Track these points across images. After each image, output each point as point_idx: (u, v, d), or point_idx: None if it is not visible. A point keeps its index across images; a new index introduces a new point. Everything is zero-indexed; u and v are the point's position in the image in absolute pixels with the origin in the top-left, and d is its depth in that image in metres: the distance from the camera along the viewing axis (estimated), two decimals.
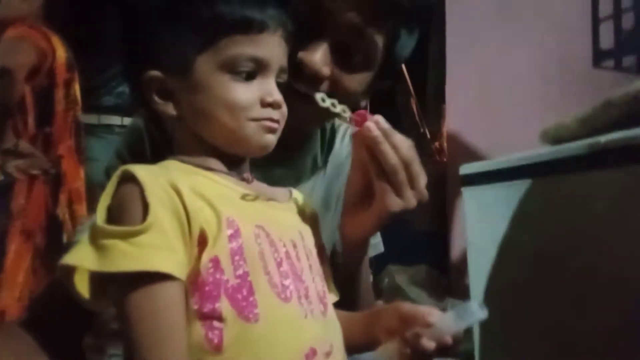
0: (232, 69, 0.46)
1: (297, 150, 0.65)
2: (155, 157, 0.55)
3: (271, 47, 0.47)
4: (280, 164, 0.58)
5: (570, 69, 1.63)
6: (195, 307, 0.40)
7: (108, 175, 0.59)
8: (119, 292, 0.39)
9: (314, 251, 0.50)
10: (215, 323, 0.40)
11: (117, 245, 0.38)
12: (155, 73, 0.47)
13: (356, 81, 0.58)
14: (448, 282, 1.87)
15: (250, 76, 0.46)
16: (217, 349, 0.40)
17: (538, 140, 0.95)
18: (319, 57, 0.55)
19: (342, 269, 0.58)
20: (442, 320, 0.44)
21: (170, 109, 0.47)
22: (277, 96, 0.47)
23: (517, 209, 0.92)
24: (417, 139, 2.36)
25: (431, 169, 2.16)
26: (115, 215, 0.41)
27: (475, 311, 0.44)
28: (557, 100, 1.65)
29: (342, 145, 0.71)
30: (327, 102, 0.53)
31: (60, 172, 1.27)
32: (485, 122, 1.91)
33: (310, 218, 0.53)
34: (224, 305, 0.41)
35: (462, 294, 1.13)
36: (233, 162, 0.48)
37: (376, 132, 0.49)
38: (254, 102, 0.46)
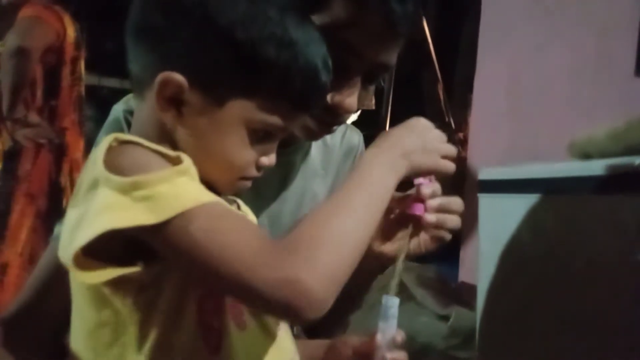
0: (259, 133, 0.43)
1: (287, 147, 0.63)
2: None
3: (302, 120, 0.46)
4: None
5: (608, 75, 1.50)
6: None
7: None
8: (176, 231, 0.35)
9: None
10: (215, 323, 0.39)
11: (163, 191, 0.35)
12: (180, 78, 0.41)
13: (371, 93, 0.61)
14: (456, 286, 1.84)
15: (263, 139, 0.44)
16: (216, 351, 0.39)
17: (565, 151, 0.91)
18: (355, 99, 0.55)
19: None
20: (382, 335, 0.46)
21: (170, 118, 0.42)
22: (273, 158, 0.46)
23: (534, 223, 0.90)
24: (442, 128, 2.28)
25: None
26: (129, 168, 0.37)
27: (387, 303, 0.46)
28: (590, 108, 1.54)
29: (340, 146, 0.70)
30: None
31: (63, 143, 1.38)
32: (511, 120, 1.82)
33: None
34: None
35: (470, 298, 1.15)
36: None
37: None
38: (252, 163, 0.44)
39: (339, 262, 0.36)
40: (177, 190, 0.36)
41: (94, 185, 0.37)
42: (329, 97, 0.53)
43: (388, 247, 0.55)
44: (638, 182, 0.73)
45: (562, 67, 1.62)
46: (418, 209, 0.51)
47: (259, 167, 0.45)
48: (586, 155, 0.88)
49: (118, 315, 0.38)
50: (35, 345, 0.55)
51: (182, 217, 0.35)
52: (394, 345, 0.46)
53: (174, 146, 0.43)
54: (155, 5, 0.43)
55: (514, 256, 0.94)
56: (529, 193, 0.91)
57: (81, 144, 1.43)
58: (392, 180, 0.44)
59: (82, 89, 1.43)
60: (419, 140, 0.46)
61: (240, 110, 0.42)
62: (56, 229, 0.60)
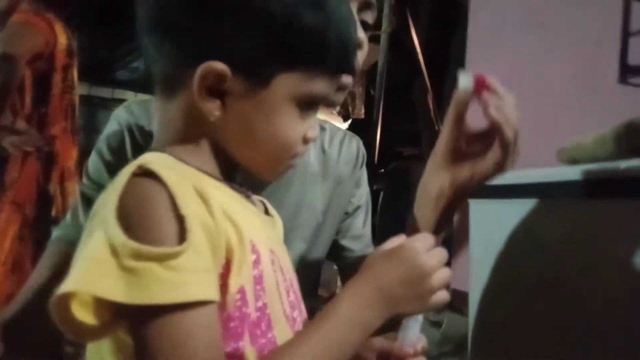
0: (305, 105, 0.42)
1: None
2: (137, 156, 0.55)
3: (334, 86, 0.44)
4: None
5: (596, 84, 1.53)
6: None
7: (88, 174, 0.60)
8: (145, 320, 0.33)
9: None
10: None
11: (153, 271, 0.32)
12: (222, 67, 0.39)
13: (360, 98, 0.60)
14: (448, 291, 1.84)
15: (308, 111, 0.43)
16: None
17: (555, 157, 0.92)
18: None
19: None
20: (402, 342, 0.47)
21: (214, 110, 0.40)
22: (317, 130, 0.45)
23: (524, 228, 0.91)
24: (432, 137, 2.30)
25: None
26: (135, 223, 0.34)
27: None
28: (579, 115, 1.57)
29: (339, 153, 0.70)
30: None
31: (53, 151, 1.36)
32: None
33: (280, 234, 0.51)
34: (246, 344, 0.37)
35: (461, 304, 1.15)
36: (232, 171, 0.44)
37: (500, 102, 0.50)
38: (301, 138, 0.43)
39: None
40: (166, 276, 0.32)
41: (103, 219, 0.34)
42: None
43: None
44: (623, 186, 0.74)
45: (551, 77, 1.65)
46: None
47: (306, 141, 0.44)
48: (575, 161, 0.89)
49: None
50: (33, 350, 0.54)
51: (154, 310, 0.32)
52: (414, 353, 0.46)
53: (214, 141, 0.41)
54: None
55: (505, 262, 0.95)
56: (519, 198, 0.92)
57: (73, 152, 1.41)
58: (357, 337, 0.39)
59: (75, 97, 1.42)
60: (409, 281, 0.41)
61: (287, 85, 0.40)
62: (55, 232, 0.60)
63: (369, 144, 2.25)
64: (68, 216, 0.61)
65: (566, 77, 1.62)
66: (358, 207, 0.75)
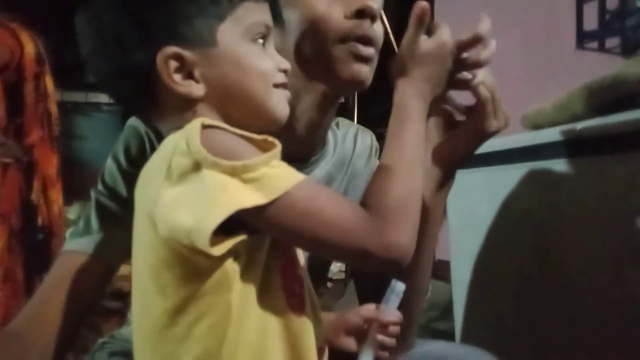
0: (252, 37, 0.45)
1: (306, 161, 0.63)
2: None
3: (268, 12, 0.48)
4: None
5: (554, 50, 1.58)
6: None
7: (104, 182, 0.59)
8: (276, 208, 0.39)
9: None
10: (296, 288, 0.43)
11: (267, 173, 0.39)
12: (175, 49, 0.42)
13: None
14: (434, 263, 1.87)
15: (262, 43, 0.46)
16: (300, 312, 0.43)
17: (519, 123, 0.96)
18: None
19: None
20: (386, 309, 0.51)
21: (195, 90, 0.43)
22: (287, 62, 0.48)
23: (497, 194, 0.94)
24: None
25: None
26: (230, 151, 0.39)
27: (396, 287, 0.51)
28: (541, 82, 1.61)
29: (353, 148, 0.70)
30: None
31: (33, 160, 1.36)
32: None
33: None
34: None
35: (445, 272, 1.19)
36: None
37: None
38: (275, 68, 0.46)
39: (417, 217, 0.43)
40: (277, 171, 0.39)
41: (195, 167, 0.39)
42: (342, 12, 0.54)
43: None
44: (581, 145, 0.79)
45: (513, 47, 1.69)
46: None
47: (281, 70, 0.47)
48: (537, 126, 0.93)
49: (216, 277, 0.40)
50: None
51: (287, 195, 0.39)
52: (394, 321, 0.50)
53: (217, 117, 0.44)
54: (125, 6, 0.44)
55: (481, 228, 0.99)
56: (487, 166, 0.96)
57: (54, 160, 1.41)
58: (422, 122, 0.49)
59: (51, 105, 1.41)
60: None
61: (229, 32, 0.44)
62: (67, 243, 0.59)
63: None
64: (81, 225, 0.59)
65: (529, 47, 1.66)
66: None
